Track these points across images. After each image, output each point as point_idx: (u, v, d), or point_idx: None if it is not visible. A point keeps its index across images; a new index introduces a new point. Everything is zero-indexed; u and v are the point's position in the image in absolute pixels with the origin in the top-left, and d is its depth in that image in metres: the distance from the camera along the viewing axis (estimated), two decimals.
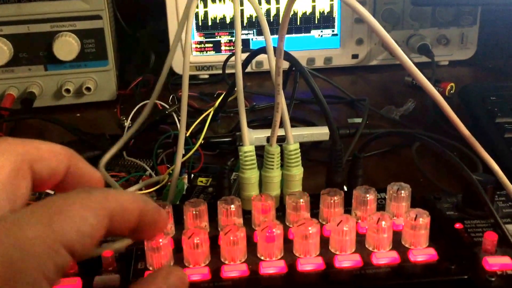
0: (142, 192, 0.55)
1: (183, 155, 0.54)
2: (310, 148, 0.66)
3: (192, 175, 0.58)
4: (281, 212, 0.46)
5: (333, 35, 0.91)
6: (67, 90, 0.78)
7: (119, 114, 0.76)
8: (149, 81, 0.82)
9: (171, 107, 0.68)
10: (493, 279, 0.38)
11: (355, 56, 0.92)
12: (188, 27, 0.48)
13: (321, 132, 0.64)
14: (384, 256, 0.40)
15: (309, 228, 0.40)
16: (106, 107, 0.80)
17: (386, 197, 0.45)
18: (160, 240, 0.39)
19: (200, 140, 0.60)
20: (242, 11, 0.88)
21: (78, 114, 0.79)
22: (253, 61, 0.87)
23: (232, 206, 0.43)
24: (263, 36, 0.49)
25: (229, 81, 0.72)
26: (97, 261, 0.40)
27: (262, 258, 0.41)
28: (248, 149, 0.47)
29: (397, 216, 0.44)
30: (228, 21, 0.88)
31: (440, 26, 0.91)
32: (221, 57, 0.85)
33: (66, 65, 0.78)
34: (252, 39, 0.89)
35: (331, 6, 0.89)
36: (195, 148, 0.58)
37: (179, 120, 0.66)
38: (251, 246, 0.41)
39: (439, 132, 0.65)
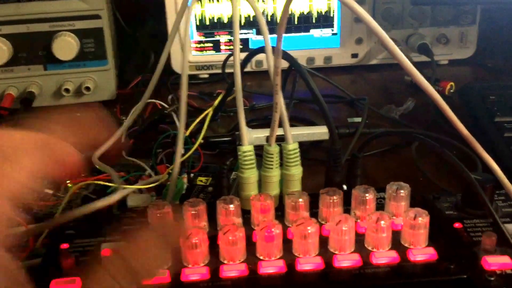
0: (141, 192, 0.55)
1: (183, 155, 0.54)
2: (310, 148, 0.66)
3: (192, 175, 0.58)
4: (280, 212, 0.46)
5: (332, 34, 0.90)
6: (67, 90, 0.78)
7: (118, 113, 0.76)
8: (149, 80, 0.82)
9: (170, 107, 0.68)
10: (492, 278, 0.38)
11: (354, 56, 0.92)
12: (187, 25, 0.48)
13: (321, 132, 0.64)
14: (383, 256, 0.40)
15: (308, 227, 0.40)
16: (106, 107, 0.80)
17: (386, 196, 0.45)
18: None
19: (200, 140, 0.60)
20: (240, 10, 0.88)
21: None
22: (253, 61, 0.87)
23: (231, 205, 0.43)
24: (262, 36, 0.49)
25: (229, 80, 0.73)
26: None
27: (261, 257, 0.41)
28: (247, 149, 0.47)
29: (396, 216, 0.44)
30: (227, 20, 0.88)
31: (440, 25, 0.91)
32: (220, 57, 0.84)
33: (66, 64, 0.77)
34: (251, 38, 0.89)
35: (331, 6, 0.89)
36: (194, 147, 0.58)
37: (178, 120, 0.66)
38: (250, 245, 0.41)
39: (439, 131, 0.65)
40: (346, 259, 0.40)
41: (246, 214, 0.45)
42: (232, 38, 0.89)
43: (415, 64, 0.40)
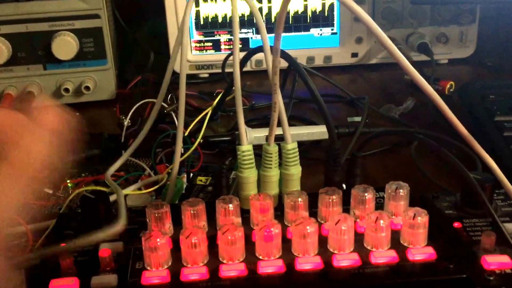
0: (141, 191, 0.55)
1: (182, 154, 0.54)
2: (310, 147, 0.66)
3: (192, 174, 0.58)
4: (279, 211, 0.46)
5: (332, 33, 0.90)
6: (66, 90, 0.78)
7: (118, 113, 0.75)
8: (148, 80, 0.82)
9: (169, 106, 0.68)
10: (491, 277, 0.38)
11: (354, 55, 0.92)
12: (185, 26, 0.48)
13: (320, 131, 0.64)
14: (382, 255, 0.40)
15: (308, 227, 0.40)
16: (106, 106, 0.80)
17: (385, 196, 0.45)
18: (158, 240, 0.39)
19: (199, 139, 0.60)
20: (240, 10, 0.87)
21: (78, 114, 0.79)
22: (253, 60, 0.87)
23: (231, 205, 0.43)
24: None
25: (229, 79, 0.72)
26: (95, 261, 0.40)
27: (261, 257, 0.41)
28: (246, 148, 0.47)
29: (395, 215, 0.44)
30: (227, 20, 0.88)
31: (440, 24, 0.91)
32: (220, 56, 0.84)
33: (65, 64, 0.77)
34: (251, 37, 0.89)
35: (331, 5, 0.89)
36: (193, 147, 0.58)
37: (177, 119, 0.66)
38: (250, 245, 0.41)
39: (439, 131, 0.65)
40: (345, 259, 0.40)
41: (245, 214, 0.45)
42: (232, 37, 0.89)
43: (415, 64, 0.40)
